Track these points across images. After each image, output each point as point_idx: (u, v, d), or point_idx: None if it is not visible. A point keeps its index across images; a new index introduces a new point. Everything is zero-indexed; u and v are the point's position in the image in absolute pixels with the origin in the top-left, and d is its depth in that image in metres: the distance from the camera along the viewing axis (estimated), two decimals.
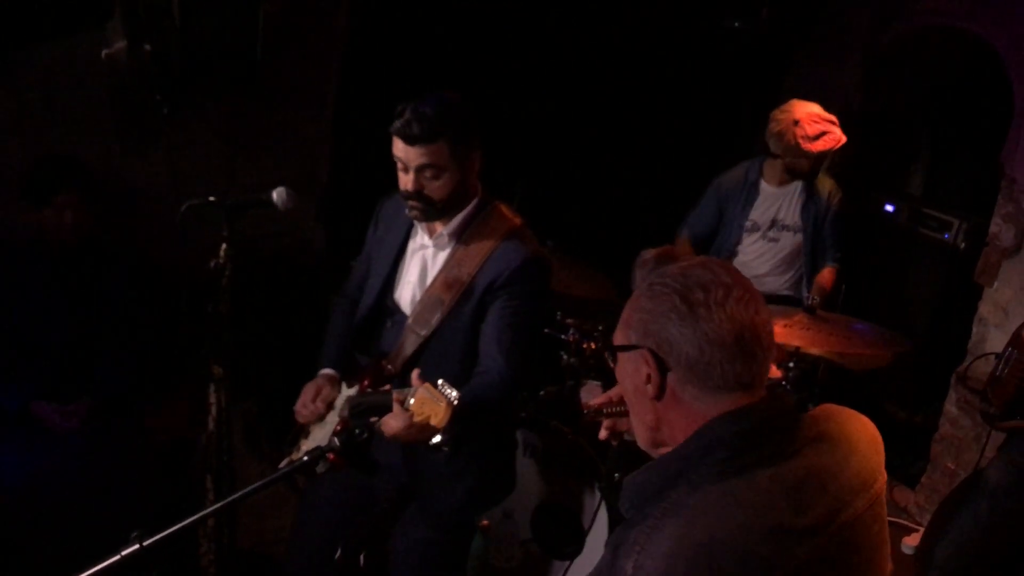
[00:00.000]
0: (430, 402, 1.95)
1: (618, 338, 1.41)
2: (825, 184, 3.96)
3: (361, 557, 1.40)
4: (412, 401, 1.99)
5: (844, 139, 3.78)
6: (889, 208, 4.81)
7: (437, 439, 2.10)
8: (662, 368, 1.32)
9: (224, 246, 2.34)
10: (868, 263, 4.61)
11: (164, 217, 3.55)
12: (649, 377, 1.33)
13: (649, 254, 1.45)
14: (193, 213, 2.42)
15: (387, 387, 2.21)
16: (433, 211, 2.30)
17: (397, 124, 2.21)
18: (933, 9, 4.33)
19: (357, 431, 1.64)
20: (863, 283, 4.21)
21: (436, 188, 2.26)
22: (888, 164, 5.05)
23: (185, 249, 2.54)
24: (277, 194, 2.39)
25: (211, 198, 2.35)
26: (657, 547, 1.20)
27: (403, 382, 2.26)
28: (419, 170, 2.23)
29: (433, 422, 1.96)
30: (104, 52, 3.16)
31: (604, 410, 1.58)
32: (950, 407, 4.04)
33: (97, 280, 3.23)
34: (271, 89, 3.79)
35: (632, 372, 1.37)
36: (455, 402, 1.96)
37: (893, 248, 4.80)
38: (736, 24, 4.28)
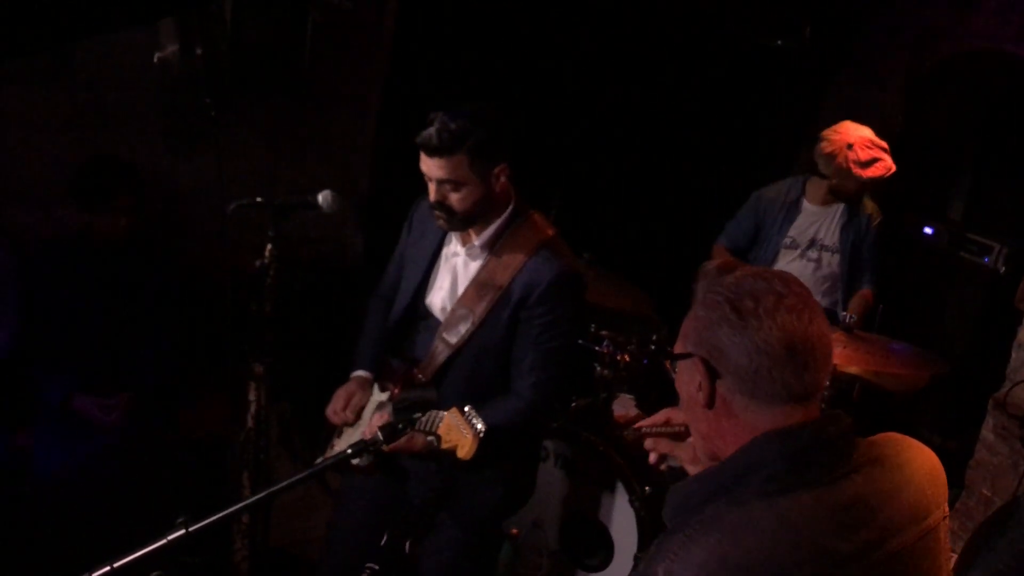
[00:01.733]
0: (456, 431, 1.97)
1: (677, 347, 1.41)
2: (867, 206, 3.92)
3: (407, 544, 1.41)
4: (440, 425, 2.00)
5: (894, 168, 3.74)
6: (928, 231, 4.77)
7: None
8: (712, 376, 1.32)
9: (269, 247, 2.38)
10: (906, 286, 4.57)
11: (209, 218, 3.63)
12: (700, 385, 1.33)
13: (711, 265, 1.44)
14: (239, 213, 2.47)
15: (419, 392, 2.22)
16: (457, 222, 2.30)
17: (421, 136, 2.21)
18: (979, 32, 4.30)
19: (400, 426, 1.66)
20: (901, 305, 4.16)
21: (457, 200, 2.25)
22: (928, 187, 5.00)
23: (229, 249, 2.59)
24: (323, 197, 2.43)
25: (258, 199, 2.40)
26: (690, 557, 1.19)
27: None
28: (440, 183, 2.23)
29: (460, 454, 1.97)
30: (157, 56, 3.23)
31: (644, 431, 1.56)
32: (987, 433, 3.97)
33: (140, 277, 3.29)
34: (316, 95, 3.85)
35: (687, 381, 1.37)
36: (481, 435, 1.97)
37: (932, 271, 4.75)
38: (779, 42, 4.27)
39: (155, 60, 3.27)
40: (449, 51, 4.22)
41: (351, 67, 3.93)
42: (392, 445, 1.74)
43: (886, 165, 3.73)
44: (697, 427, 1.39)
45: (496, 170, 2.27)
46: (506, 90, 3.86)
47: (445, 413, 2.01)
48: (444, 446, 1.99)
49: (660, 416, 1.58)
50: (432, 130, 2.18)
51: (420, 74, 4.15)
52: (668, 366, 1.45)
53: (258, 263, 2.38)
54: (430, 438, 2.00)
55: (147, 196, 3.33)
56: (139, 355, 3.26)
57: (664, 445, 1.54)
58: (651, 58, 4.61)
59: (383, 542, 1.38)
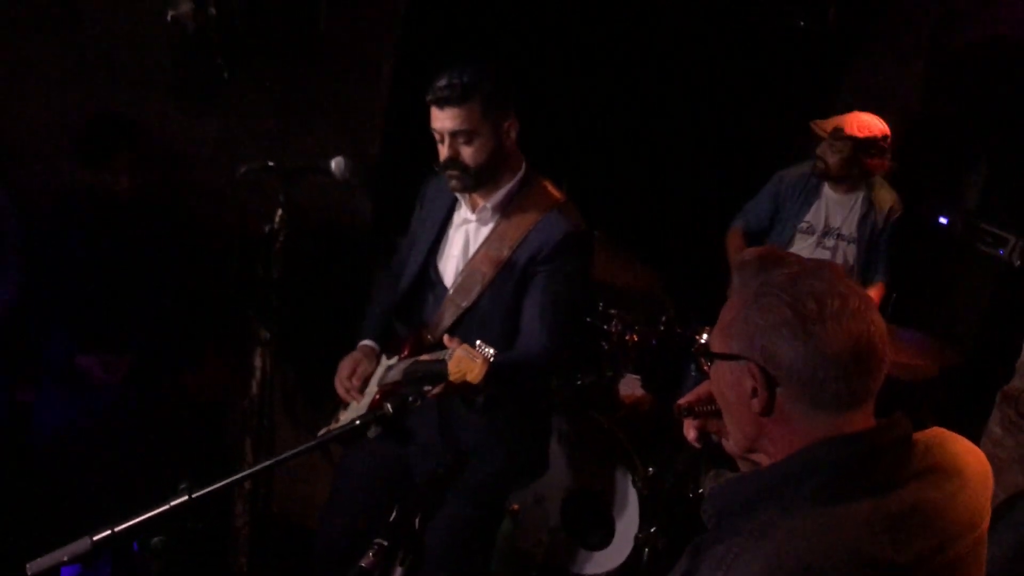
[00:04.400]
0: (466, 360, 1.95)
1: (717, 344, 1.32)
2: (887, 198, 3.86)
3: (416, 520, 1.38)
4: (449, 362, 1.98)
5: (880, 133, 3.65)
6: (943, 220, 4.72)
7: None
8: (770, 384, 1.24)
9: (280, 211, 2.35)
10: (919, 275, 4.52)
11: (217, 180, 3.59)
12: (755, 391, 1.25)
13: (751, 254, 1.36)
14: (249, 177, 2.43)
15: (428, 356, 2.19)
16: (470, 179, 2.30)
17: (431, 90, 2.23)
18: (1004, 18, 4.22)
19: (410, 398, 1.63)
20: (913, 294, 4.13)
21: (470, 154, 2.26)
22: (944, 175, 4.94)
23: (237, 212, 2.55)
24: (335, 163, 2.40)
25: (270, 163, 2.36)
26: (745, 568, 1.16)
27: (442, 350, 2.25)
28: (453, 135, 2.24)
29: (469, 378, 1.95)
30: (170, 13, 3.17)
31: (695, 408, 1.47)
32: (994, 426, 3.94)
33: (145, 236, 3.25)
34: (328, 59, 3.78)
35: (733, 382, 1.29)
36: (491, 359, 1.96)
37: (945, 261, 4.71)
38: (802, 23, 4.19)
39: (168, 18, 3.21)
40: (463, 20, 4.16)
41: (365, 33, 3.86)
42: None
43: (879, 128, 3.64)
44: (741, 426, 1.31)
45: (507, 124, 2.29)
46: (520, 60, 3.80)
47: (455, 349, 1.99)
48: (454, 378, 1.97)
49: (703, 389, 1.49)
50: (443, 81, 2.20)
51: (434, 43, 4.09)
52: (704, 362, 1.38)
53: (267, 228, 2.35)
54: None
55: (154, 156, 3.29)
56: (142, 315, 3.24)
57: (714, 424, 1.46)
58: (668, 34, 4.54)
59: (392, 517, 1.35)
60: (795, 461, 1.24)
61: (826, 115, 3.80)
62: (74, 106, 3.36)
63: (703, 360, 1.39)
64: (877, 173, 3.76)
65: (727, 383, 1.31)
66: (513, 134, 2.32)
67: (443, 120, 2.23)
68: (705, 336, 3.34)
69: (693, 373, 3.35)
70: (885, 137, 3.65)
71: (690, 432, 1.51)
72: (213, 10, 3.09)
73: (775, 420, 1.26)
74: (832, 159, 3.69)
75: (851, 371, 1.21)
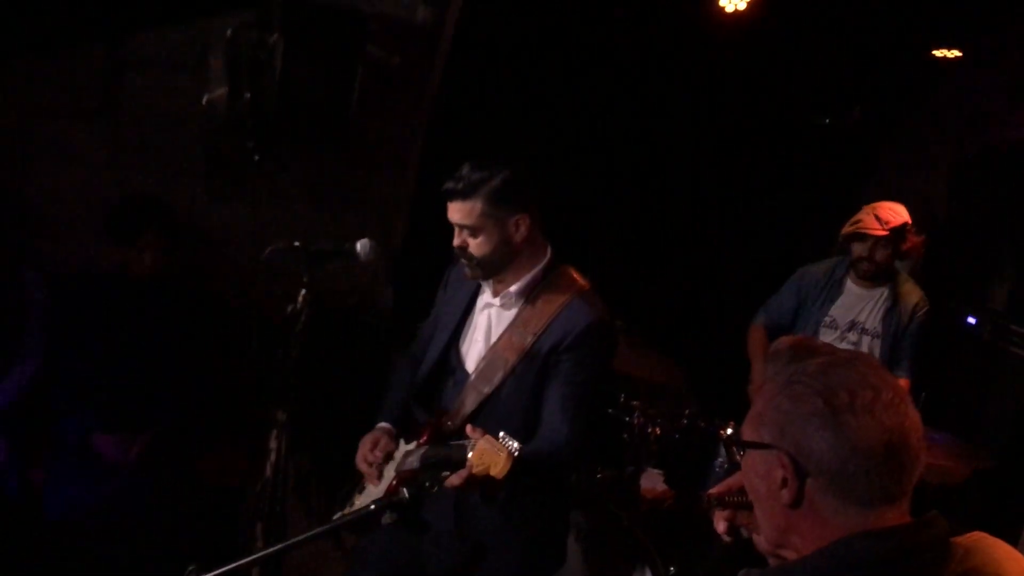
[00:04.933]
0: (490, 453, 1.90)
1: (748, 432, 1.29)
2: (912, 295, 3.82)
3: None
4: (471, 454, 1.93)
5: (907, 221, 3.66)
6: (971, 321, 4.67)
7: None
8: (800, 474, 1.21)
9: (303, 292, 2.35)
10: (947, 376, 4.45)
11: (241, 263, 3.62)
12: (785, 482, 1.22)
13: (783, 343, 1.34)
14: (274, 258, 2.44)
15: (452, 443, 2.14)
16: (477, 268, 2.33)
17: (446, 182, 2.29)
18: None
19: (427, 484, 1.59)
20: (941, 395, 4.05)
21: (475, 246, 2.29)
22: (972, 276, 4.91)
23: (260, 294, 2.55)
24: (361, 245, 2.41)
25: (295, 243, 2.37)
26: None
27: (462, 438, 2.21)
28: (459, 227, 2.30)
29: (493, 472, 1.89)
30: (206, 97, 3.26)
31: (726, 499, 1.43)
32: None
33: (167, 317, 3.27)
34: (357, 147, 3.86)
35: (764, 473, 1.26)
36: (516, 453, 1.91)
37: (974, 362, 4.63)
38: (827, 121, 4.25)
39: (203, 102, 3.30)
40: (491, 115, 4.25)
41: (394, 123, 3.95)
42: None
43: (899, 213, 3.63)
44: (770, 519, 1.27)
45: (514, 219, 2.29)
46: (546, 154, 3.86)
47: (478, 440, 1.93)
48: (477, 471, 1.91)
49: (734, 480, 1.45)
50: (454, 176, 2.27)
51: (461, 136, 4.16)
52: (734, 451, 1.34)
53: (290, 308, 2.34)
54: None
55: (181, 236, 3.33)
56: (162, 396, 3.23)
57: (744, 517, 1.42)
58: (696, 128, 4.61)
59: None
60: (826, 556, 1.19)
61: (852, 212, 3.80)
62: (108, 188, 3.45)
63: (734, 449, 1.34)
64: (915, 256, 3.75)
65: (758, 473, 1.27)
66: (524, 229, 2.31)
67: (451, 212, 2.30)
68: (730, 430, 3.28)
69: (718, 469, 3.27)
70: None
71: (720, 524, 1.46)
72: (248, 95, 3.16)
73: (805, 513, 1.22)
74: (881, 255, 3.68)
75: (884, 466, 1.17)
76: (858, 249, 3.72)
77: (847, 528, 1.19)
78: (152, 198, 3.30)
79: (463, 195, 2.25)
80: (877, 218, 3.63)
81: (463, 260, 2.33)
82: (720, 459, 3.31)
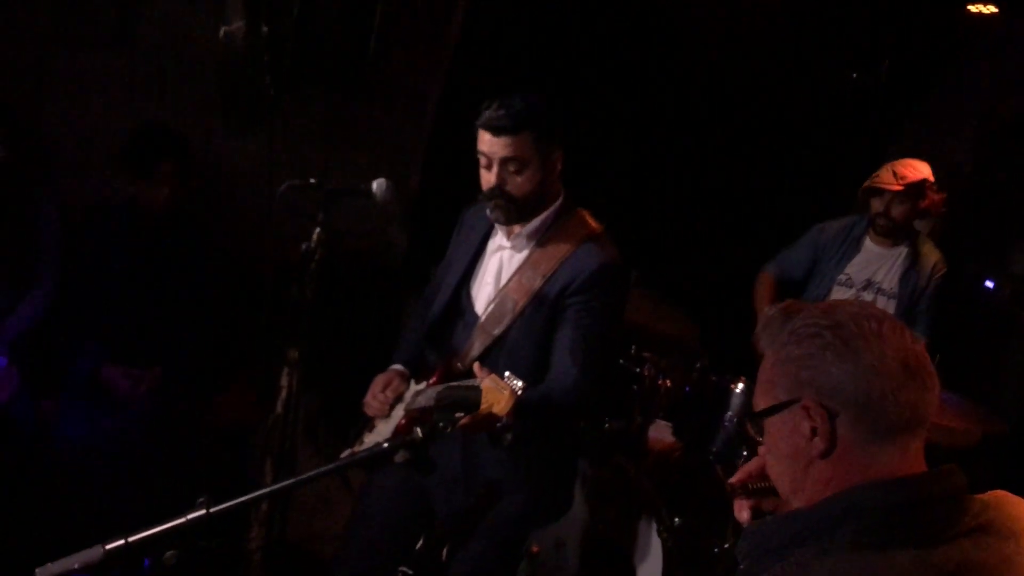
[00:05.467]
0: (493, 391, 1.90)
1: (762, 402, 1.27)
2: (931, 256, 3.77)
3: (444, 551, 1.32)
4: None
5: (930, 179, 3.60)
6: (989, 284, 4.62)
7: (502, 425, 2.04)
8: (830, 415, 1.19)
9: (318, 231, 2.33)
10: (963, 339, 4.41)
11: (256, 200, 3.60)
12: (814, 431, 1.20)
13: (772, 310, 1.32)
14: (289, 196, 2.42)
15: (458, 383, 2.14)
16: (514, 210, 2.28)
17: (483, 116, 2.21)
18: None
19: (441, 424, 1.58)
20: (957, 359, 4.02)
21: (518, 184, 2.24)
22: (993, 239, 4.85)
23: (274, 232, 2.53)
24: (377, 184, 2.37)
25: (311, 180, 2.35)
26: None
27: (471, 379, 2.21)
28: (503, 163, 2.22)
29: (495, 410, 1.89)
30: (223, 29, 3.21)
31: (750, 486, 1.41)
32: None
33: (180, 252, 3.25)
34: (375, 88, 3.81)
35: (788, 433, 1.23)
36: (519, 392, 1.91)
37: (991, 326, 4.60)
38: (855, 75, 4.15)
39: (220, 35, 3.24)
40: (512, 56, 4.17)
41: (414, 62, 3.89)
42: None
43: (920, 170, 3.57)
44: (798, 483, 1.24)
45: (555, 156, 2.27)
46: (571, 100, 3.80)
47: (483, 380, 1.94)
48: (481, 409, 1.90)
49: (755, 465, 1.43)
50: (496, 109, 2.19)
51: (482, 76, 4.10)
52: (750, 430, 1.31)
53: (304, 246, 2.32)
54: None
55: (196, 172, 3.30)
56: (174, 331, 3.23)
57: (771, 502, 1.40)
58: (719, 81, 4.53)
59: (419, 545, 1.29)
60: (838, 502, 1.18)
61: (875, 170, 3.74)
62: (123, 121, 3.41)
63: (751, 430, 1.32)
64: (935, 213, 3.70)
65: (782, 436, 1.25)
66: (559, 166, 2.30)
67: (494, 146, 2.21)
68: (740, 386, 3.26)
69: (727, 424, 3.26)
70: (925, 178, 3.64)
71: (743, 513, 1.44)
72: (265, 29, 3.11)
73: (841, 457, 1.20)
74: (897, 211, 3.62)
75: (906, 381, 1.17)
76: (876, 205, 3.67)
77: (870, 471, 1.18)
78: (168, 128, 3.26)
79: (512, 129, 2.18)
80: (895, 173, 3.58)
81: (493, 201, 2.26)
82: (729, 413, 3.30)
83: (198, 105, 3.54)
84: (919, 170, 3.59)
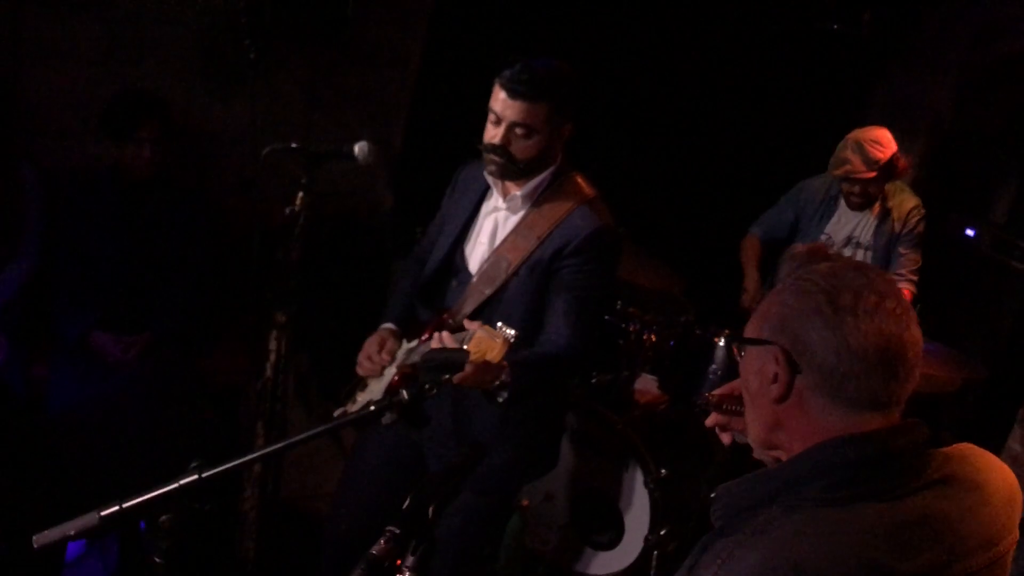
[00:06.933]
0: (486, 340, 1.92)
1: (750, 330, 1.31)
2: (907, 203, 3.80)
3: (431, 509, 1.36)
4: (468, 343, 1.95)
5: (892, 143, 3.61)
6: (970, 232, 4.66)
7: (499, 383, 2.08)
8: (793, 369, 1.23)
9: (301, 194, 2.33)
10: (943, 287, 4.46)
11: (238, 163, 3.59)
12: (776, 376, 1.24)
13: (801, 248, 1.36)
14: (272, 158, 2.42)
15: (448, 337, 2.16)
16: (511, 169, 2.27)
17: (506, 74, 2.18)
18: None
19: (427, 385, 1.61)
20: (937, 307, 4.07)
21: (522, 148, 2.23)
22: (974, 187, 4.88)
23: (258, 195, 2.52)
24: (359, 147, 2.37)
25: (293, 144, 2.34)
26: (739, 564, 1.14)
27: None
28: (512, 126, 2.21)
29: (489, 357, 1.92)
30: None
31: (723, 405, 1.46)
32: (1013, 444, 3.89)
33: (166, 216, 3.25)
34: (356, 47, 3.78)
35: (758, 368, 1.28)
36: (511, 339, 1.93)
37: (971, 274, 4.64)
38: (835, 27, 4.13)
39: None
40: (493, 12, 4.13)
41: (395, 22, 3.85)
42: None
43: (883, 147, 3.56)
44: (759, 416, 1.30)
45: (564, 128, 2.28)
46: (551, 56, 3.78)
47: (476, 331, 1.96)
48: (474, 358, 1.93)
49: (736, 384, 1.46)
50: (519, 71, 2.16)
51: (463, 35, 4.07)
52: (735, 349, 1.35)
53: (288, 210, 2.33)
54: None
55: (178, 135, 3.29)
56: (161, 295, 3.24)
57: (739, 423, 1.44)
58: (699, 33, 4.50)
59: (405, 505, 1.33)
60: (804, 461, 1.22)
61: (858, 124, 3.73)
62: (103, 85, 3.38)
63: (735, 349, 1.37)
64: (904, 175, 3.72)
65: (753, 369, 1.30)
66: (566, 136, 2.31)
67: (508, 108, 2.20)
68: (723, 340, 3.30)
69: (711, 376, 3.31)
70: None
71: (724, 437, 1.49)
72: None
73: (793, 411, 1.24)
74: (873, 189, 3.65)
75: (875, 371, 1.19)
76: (848, 187, 3.69)
77: (831, 430, 1.21)
78: (149, 91, 3.24)
79: (531, 96, 2.17)
80: (865, 160, 3.55)
81: (495, 156, 2.25)
82: (714, 366, 3.35)
83: (179, 68, 3.51)
84: (885, 145, 3.57)
